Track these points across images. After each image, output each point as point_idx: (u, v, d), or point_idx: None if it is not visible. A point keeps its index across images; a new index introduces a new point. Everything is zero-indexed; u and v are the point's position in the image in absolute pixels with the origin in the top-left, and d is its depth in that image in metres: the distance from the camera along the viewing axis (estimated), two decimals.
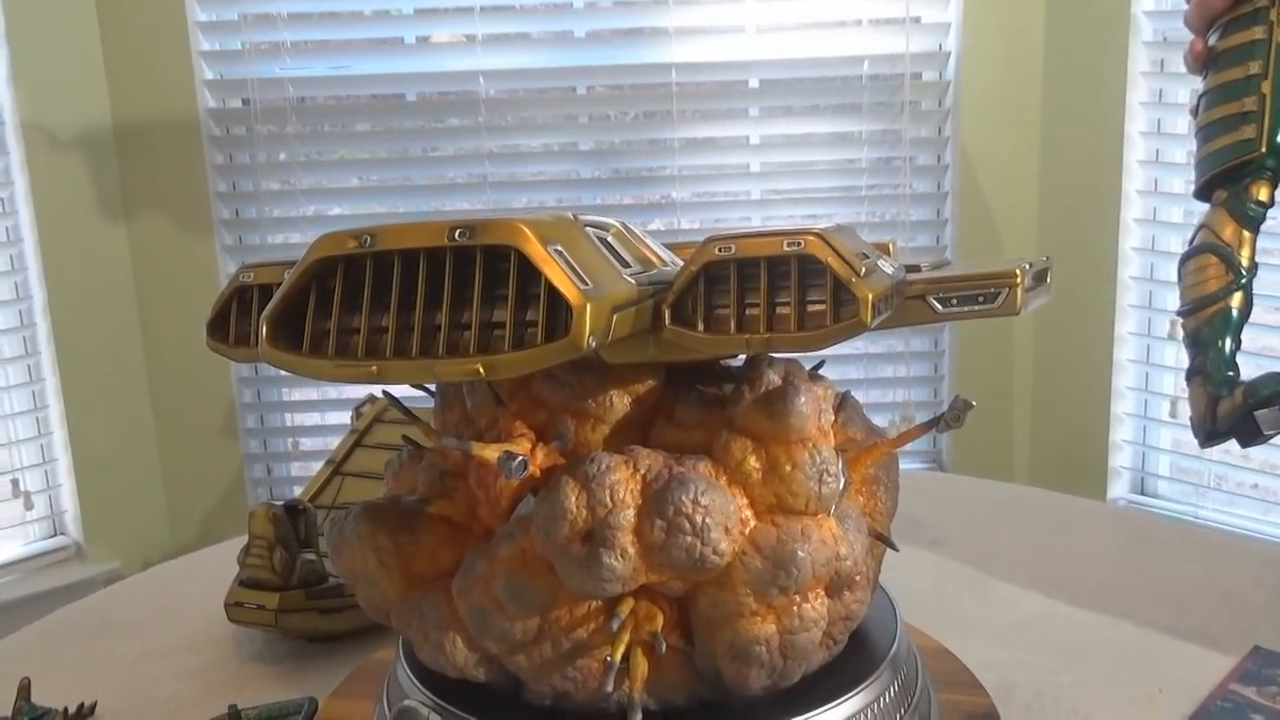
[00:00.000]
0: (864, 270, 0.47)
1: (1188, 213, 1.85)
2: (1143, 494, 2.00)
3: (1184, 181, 1.85)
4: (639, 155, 2.02)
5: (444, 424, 0.59)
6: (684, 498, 0.49)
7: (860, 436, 0.58)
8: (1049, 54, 1.91)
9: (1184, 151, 1.86)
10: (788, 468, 0.51)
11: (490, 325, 0.45)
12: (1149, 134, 1.87)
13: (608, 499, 0.49)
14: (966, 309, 0.53)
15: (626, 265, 0.50)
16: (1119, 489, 2.00)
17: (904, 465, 0.60)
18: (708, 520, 0.49)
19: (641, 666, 0.52)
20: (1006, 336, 2.04)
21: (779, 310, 0.48)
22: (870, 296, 0.46)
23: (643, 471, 0.51)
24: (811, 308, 0.48)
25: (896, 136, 1.97)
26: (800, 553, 0.50)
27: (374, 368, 0.46)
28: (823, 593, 0.52)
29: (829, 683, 0.55)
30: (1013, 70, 1.90)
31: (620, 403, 0.54)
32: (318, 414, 2.09)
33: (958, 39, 1.93)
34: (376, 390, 0.92)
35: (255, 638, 0.80)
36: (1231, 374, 0.63)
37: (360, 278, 0.47)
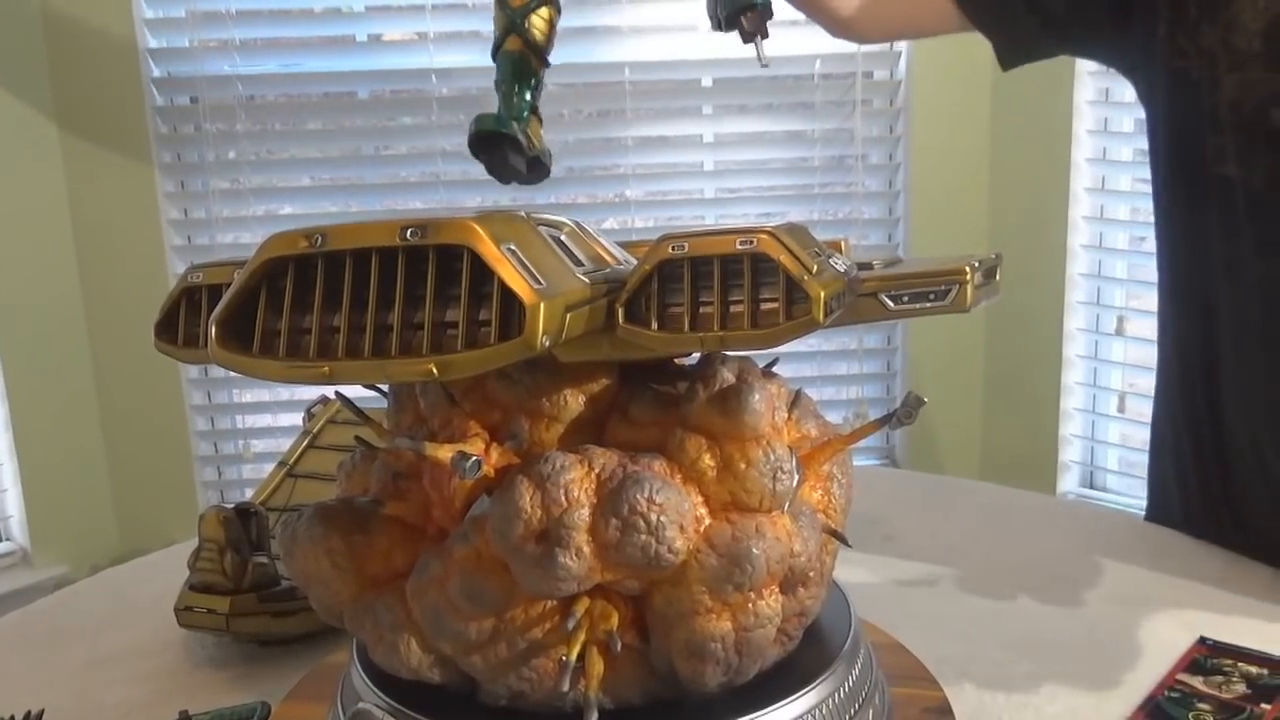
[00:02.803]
0: (816, 268, 0.47)
1: (1134, 210, 1.88)
2: (1092, 488, 2.03)
3: (1131, 179, 1.88)
4: (593, 153, 2.02)
5: (397, 424, 0.59)
6: (639, 496, 0.49)
7: (814, 433, 0.59)
8: None
9: (1130, 149, 1.89)
10: (742, 465, 0.51)
11: (443, 325, 0.45)
12: (1096, 132, 1.90)
13: (562, 498, 0.49)
14: (918, 306, 0.54)
15: (580, 264, 0.50)
16: (1069, 483, 2.03)
17: (857, 461, 0.60)
18: (662, 518, 0.49)
19: (597, 665, 0.52)
20: (958, 333, 2.06)
21: (732, 308, 0.48)
22: (822, 294, 0.46)
23: (597, 470, 0.51)
24: (764, 305, 0.48)
25: (849, 135, 1.98)
26: (755, 550, 0.50)
27: (326, 368, 0.45)
28: (777, 589, 0.53)
29: (784, 679, 0.55)
30: (962, 69, 1.92)
31: (575, 402, 0.54)
32: (269, 415, 2.07)
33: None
34: (329, 391, 0.91)
35: (206, 642, 0.79)
36: (519, 108, 0.68)
37: (311, 278, 0.47)
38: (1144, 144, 0.98)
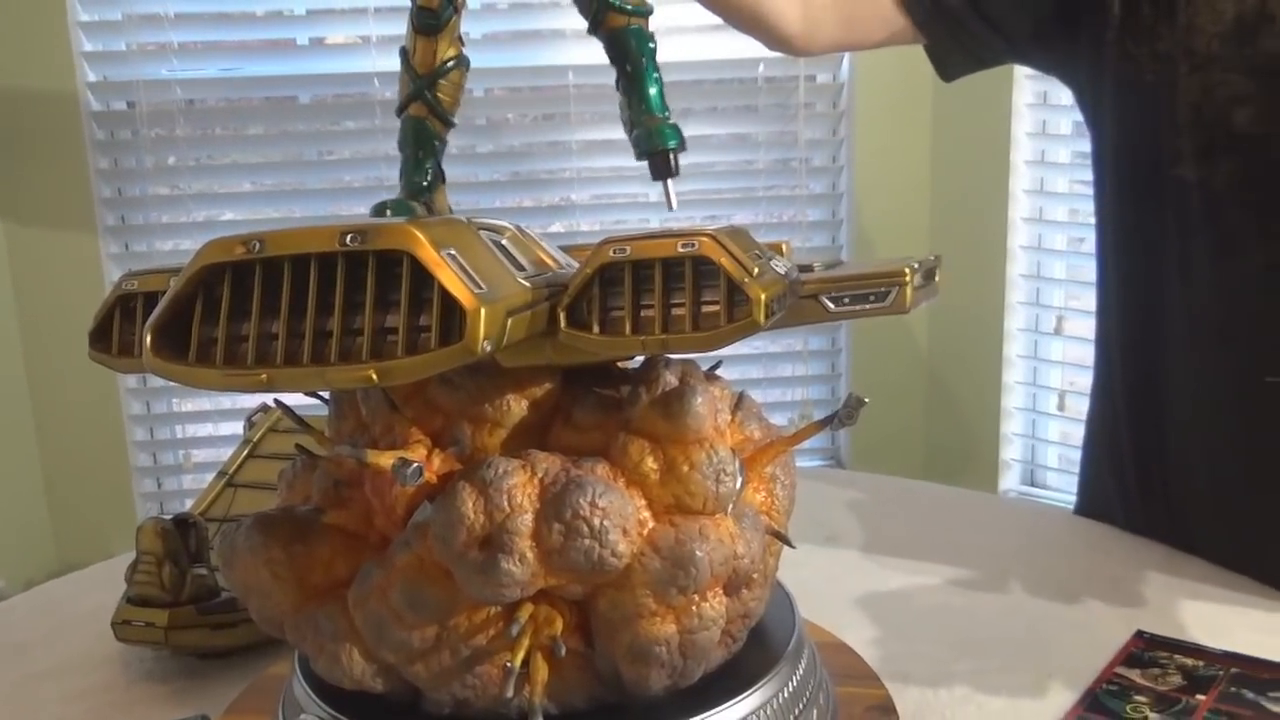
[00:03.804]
0: (757, 271, 0.48)
1: (1072, 211, 1.90)
2: (1032, 485, 2.06)
3: (1069, 181, 1.91)
4: (538, 157, 2.02)
5: (338, 432, 0.59)
6: (582, 500, 0.49)
7: (757, 435, 0.59)
8: None
9: (1068, 152, 1.92)
10: (685, 468, 0.51)
11: (384, 331, 0.45)
12: (1034, 135, 1.93)
13: (505, 503, 0.49)
14: (858, 308, 0.54)
15: (521, 268, 0.50)
16: (1010, 481, 2.06)
17: (803, 462, 0.61)
18: (606, 523, 0.49)
19: (542, 671, 0.52)
20: (901, 334, 2.08)
21: (674, 311, 0.48)
22: (763, 297, 0.46)
23: (540, 475, 0.50)
24: (706, 308, 0.48)
25: (792, 138, 1.99)
26: (698, 552, 0.50)
27: (264, 376, 0.45)
28: (721, 591, 0.53)
29: (728, 681, 0.56)
30: (904, 73, 1.94)
31: (517, 406, 0.54)
32: (210, 425, 2.04)
33: None
34: (270, 399, 0.90)
35: (145, 656, 0.78)
36: (419, 180, 0.68)
37: (249, 284, 0.46)
38: (1081, 146, 0.99)
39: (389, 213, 0.65)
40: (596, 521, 0.49)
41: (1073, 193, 1.91)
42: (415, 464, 0.48)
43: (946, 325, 2.04)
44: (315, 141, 2.00)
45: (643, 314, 0.49)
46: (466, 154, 2.00)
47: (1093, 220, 0.97)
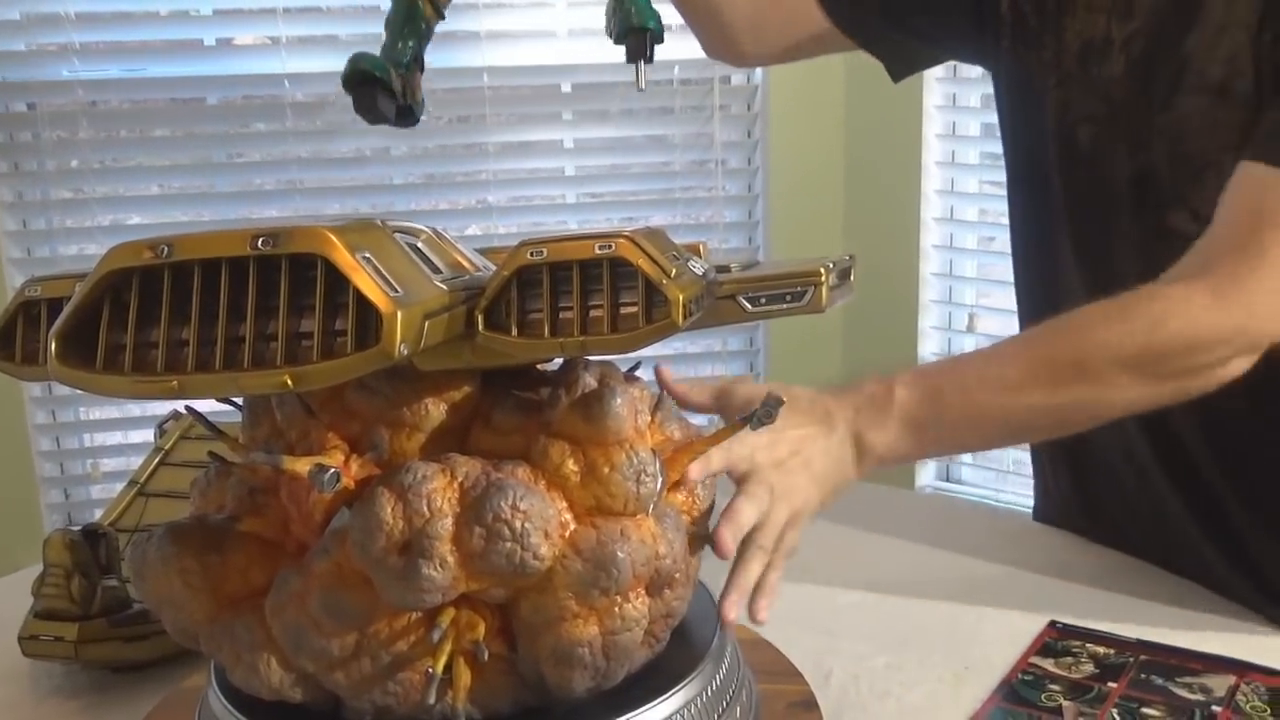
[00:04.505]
0: (675, 272, 0.48)
1: (982, 211, 1.94)
2: (948, 480, 2.09)
3: (978, 182, 1.95)
4: (453, 159, 2.00)
5: (253, 438, 0.58)
6: (503, 503, 0.49)
7: (676, 436, 0.59)
8: (850, 59, 1.97)
9: (977, 153, 1.96)
10: (605, 470, 0.51)
11: (298, 335, 0.44)
12: (945, 136, 1.96)
13: (425, 508, 0.49)
14: (775, 307, 0.55)
15: (438, 271, 0.50)
16: (926, 477, 2.09)
17: None
18: (527, 525, 0.49)
19: (464, 676, 0.51)
20: (818, 333, 2.10)
21: (592, 313, 0.48)
22: (681, 297, 0.47)
23: (460, 479, 0.50)
24: (624, 310, 0.48)
25: (708, 140, 2.01)
26: (620, 553, 0.50)
27: (174, 383, 0.44)
28: (643, 592, 0.53)
29: (652, 681, 0.56)
30: (817, 75, 1.96)
31: (436, 410, 0.53)
32: (119, 433, 1.99)
33: None
34: (181, 406, 0.88)
35: (54, 671, 0.75)
36: (399, 56, 0.68)
37: (157, 290, 0.45)
38: (989, 148, 1.01)
39: (364, 64, 0.64)
40: (518, 524, 0.48)
41: (982, 193, 1.95)
42: (332, 470, 0.47)
43: (862, 324, 2.06)
44: (224, 144, 1.96)
45: (561, 316, 0.49)
46: (380, 156, 1.98)
47: (1000, 220, 1.00)
